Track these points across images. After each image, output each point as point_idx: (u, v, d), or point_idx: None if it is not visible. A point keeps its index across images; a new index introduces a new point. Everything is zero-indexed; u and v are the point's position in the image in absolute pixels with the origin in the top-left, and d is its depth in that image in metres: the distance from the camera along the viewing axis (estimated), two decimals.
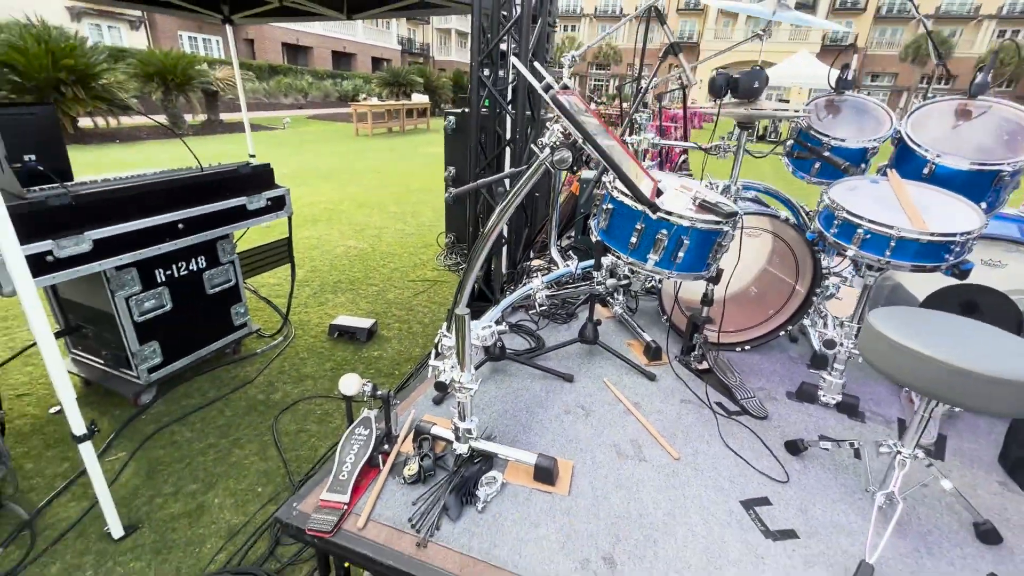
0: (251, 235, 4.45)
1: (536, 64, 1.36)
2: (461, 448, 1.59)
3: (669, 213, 1.64)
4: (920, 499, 1.61)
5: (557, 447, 1.75)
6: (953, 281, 1.82)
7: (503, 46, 2.88)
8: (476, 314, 1.93)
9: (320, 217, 6.69)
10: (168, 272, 2.74)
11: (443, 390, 1.48)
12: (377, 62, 32.87)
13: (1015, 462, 1.73)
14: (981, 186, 1.85)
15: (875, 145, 2.12)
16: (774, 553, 1.39)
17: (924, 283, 2.22)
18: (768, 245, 2.59)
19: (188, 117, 14.43)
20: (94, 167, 8.71)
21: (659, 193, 1.33)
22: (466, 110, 4.46)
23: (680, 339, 2.40)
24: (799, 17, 2.07)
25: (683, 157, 3.53)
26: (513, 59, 1.31)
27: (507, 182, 2.58)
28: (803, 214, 2.49)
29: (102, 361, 2.83)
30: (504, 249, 3.38)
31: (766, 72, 1.73)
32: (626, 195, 1.71)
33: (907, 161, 1.98)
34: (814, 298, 2.28)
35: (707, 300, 2.15)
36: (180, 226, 2.63)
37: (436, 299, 4.44)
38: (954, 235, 1.58)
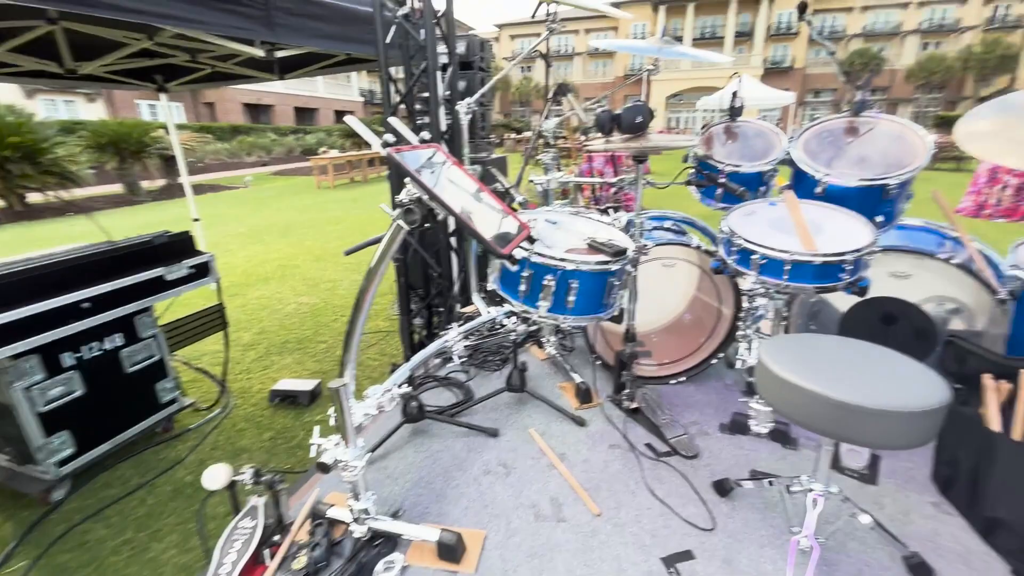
0: (190, 301, 4.29)
1: (393, 119, 1.32)
2: (359, 530, 1.46)
3: (553, 258, 1.59)
4: (851, 533, 1.52)
5: (471, 515, 1.63)
6: (875, 294, 1.80)
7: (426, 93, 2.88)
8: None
9: (273, 275, 6.54)
10: (78, 355, 2.58)
11: (326, 471, 1.36)
12: (340, 114, 33.49)
13: (945, 480, 1.66)
14: (873, 201, 1.86)
15: (769, 168, 2.14)
16: None
17: (847, 298, 2.21)
18: (695, 272, 2.57)
19: (146, 183, 14.29)
20: (46, 241, 8.46)
21: (531, 240, 1.28)
22: None
23: (612, 376, 2.32)
24: (684, 52, 2.11)
25: (615, 190, 3.56)
26: (348, 119, 1.27)
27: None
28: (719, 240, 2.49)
29: (7, 458, 2.61)
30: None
31: (648, 106, 1.74)
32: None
33: (802, 181, 1.99)
34: (739, 321, 2.24)
35: (630, 336, 2.09)
36: (85, 305, 2.49)
37: (388, 351, 4.31)
38: (843, 254, 1.56)
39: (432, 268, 3.26)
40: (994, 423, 1.46)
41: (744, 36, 36.32)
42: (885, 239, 1.98)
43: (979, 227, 7.75)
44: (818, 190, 1.90)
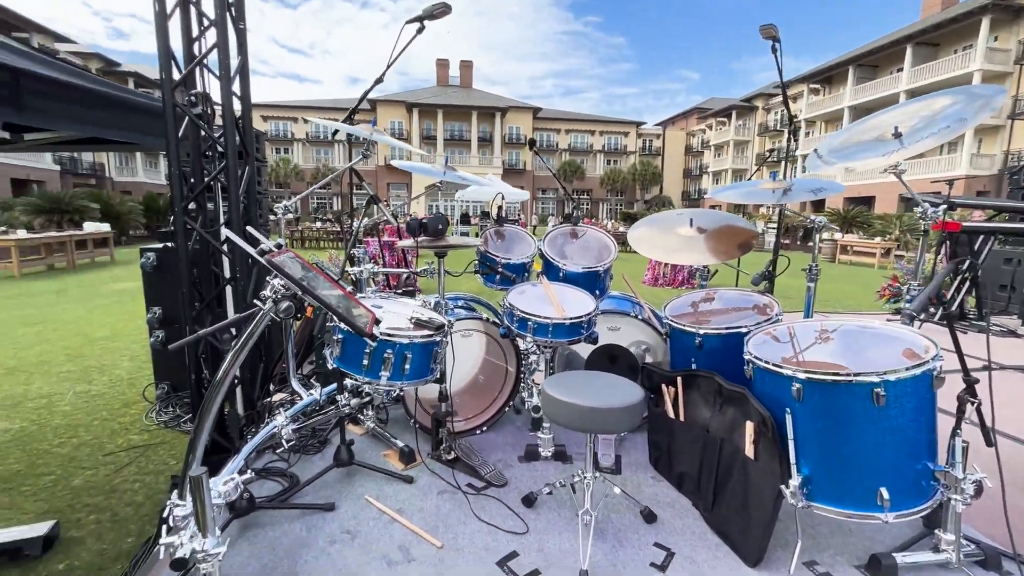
0: None
1: (250, 229, 1.53)
2: None
3: (393, 335, 1.96)
4: (613, 508, 2.20)
5: None
6: (601, 343, 2.68)
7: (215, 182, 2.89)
8: (214, 469, 1.81)
9: None
10: None
11: (182, 568, 1.35)
12: (22, 184, 26.00)
13: (655, 460, 2.54)
14: (592, 281, 2.83)
15: (528, 260, 3.00)
16: None
17: (586, 348, 3.12)
18: (483, 340, 3.19)
19: None
20: None
21: (378, 322, 1.63)
22: (168, 245, 4.13)
23: (430, 437, 2.68)
24: (463, 176, 2.85)
25: (407, 276, 4.07)
26: (226, 231, 1.45)
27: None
28: (501, 313, 3.22)
29: None
30: (238, 390, 3.14)
31: (446, 216, 2.33)
32: None
33: (550, 269, 2.87)
34: (521, 375, 2.92)
35: (443, 396, 2.51)
36: None
37: (151, 467, 3.65)
38: (580, 317, 2.38)
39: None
40: (671, 413, 2.37)
41: (486, 141, 43.27)
42: (602, 306, 2.96)
43: (657, 292, 10.94)
44: (560, 275, 2.77)
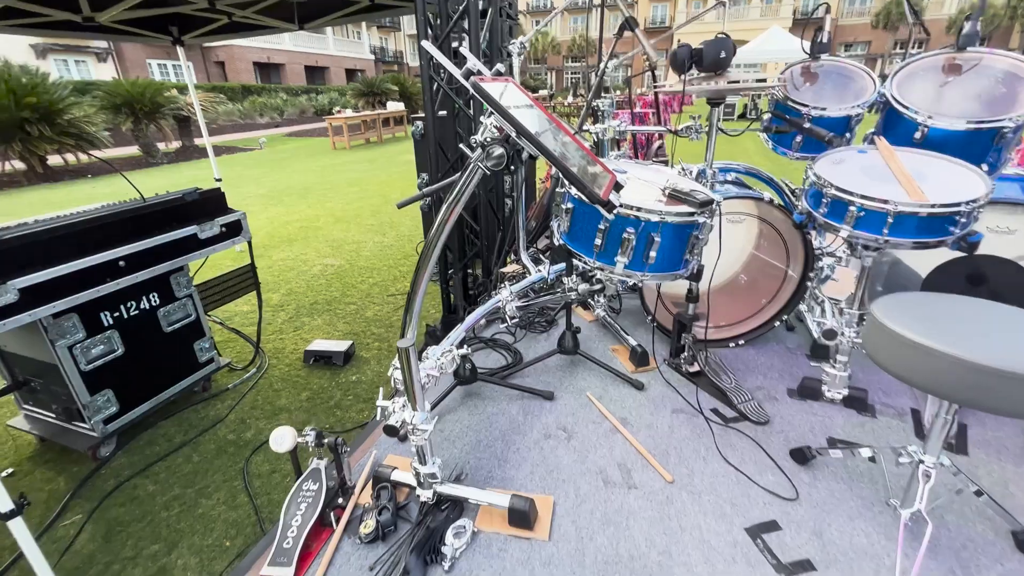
0: (215, 263, 4.31)
1: (462, 49, 1.17)
2: (425, 495, 1.40)
3: (638, 209, 1.44)
4: (947, 505, 1.42)
5: (536, 479, 1.56)
6: (956, 253, 1.64)
7: (455, 44, 2.69)
8: (446, 329, 1.73)
9: (296, 236, 6.49)
10: (116, 313, 2.55)
11: (394, 434, 1.29)
12: (351, 73, 32.64)
13: None
14: (980, 146, 1.66)
15: (860, 112, 1.93)
16: None
17: (925, 256, 2.04)
18: (755, 229, 2.40)
19: (162, 145, 14.21)
20: (63, 204, 8.50)
21: (618, 188, 1.14)
22: None
23: (668, 339, 2.21)
24: None
25: (659, 143, 3.33)
26: (425, 43, 1.12)
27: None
28: (788, 193, 2.30)
29: (54, 415, 2.64)
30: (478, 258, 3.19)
31: (733, 42, 1.55)
32: None
33: (895, 126, 1.79)
34: (808, 282, 2.09)
35: (692, 296, 1.96)
36: (122, 263, 2.44)
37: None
38: (959, 204, 1.39)
39: (470, 227, 3.13)
40: None
41: None
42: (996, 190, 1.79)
43: None
44: (917, 135, 1.70)
